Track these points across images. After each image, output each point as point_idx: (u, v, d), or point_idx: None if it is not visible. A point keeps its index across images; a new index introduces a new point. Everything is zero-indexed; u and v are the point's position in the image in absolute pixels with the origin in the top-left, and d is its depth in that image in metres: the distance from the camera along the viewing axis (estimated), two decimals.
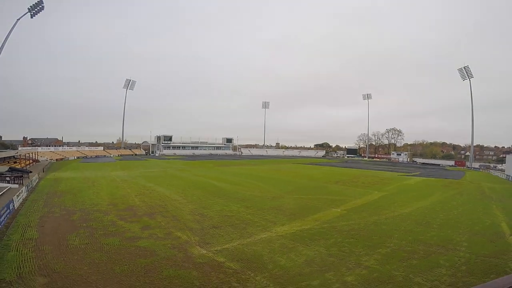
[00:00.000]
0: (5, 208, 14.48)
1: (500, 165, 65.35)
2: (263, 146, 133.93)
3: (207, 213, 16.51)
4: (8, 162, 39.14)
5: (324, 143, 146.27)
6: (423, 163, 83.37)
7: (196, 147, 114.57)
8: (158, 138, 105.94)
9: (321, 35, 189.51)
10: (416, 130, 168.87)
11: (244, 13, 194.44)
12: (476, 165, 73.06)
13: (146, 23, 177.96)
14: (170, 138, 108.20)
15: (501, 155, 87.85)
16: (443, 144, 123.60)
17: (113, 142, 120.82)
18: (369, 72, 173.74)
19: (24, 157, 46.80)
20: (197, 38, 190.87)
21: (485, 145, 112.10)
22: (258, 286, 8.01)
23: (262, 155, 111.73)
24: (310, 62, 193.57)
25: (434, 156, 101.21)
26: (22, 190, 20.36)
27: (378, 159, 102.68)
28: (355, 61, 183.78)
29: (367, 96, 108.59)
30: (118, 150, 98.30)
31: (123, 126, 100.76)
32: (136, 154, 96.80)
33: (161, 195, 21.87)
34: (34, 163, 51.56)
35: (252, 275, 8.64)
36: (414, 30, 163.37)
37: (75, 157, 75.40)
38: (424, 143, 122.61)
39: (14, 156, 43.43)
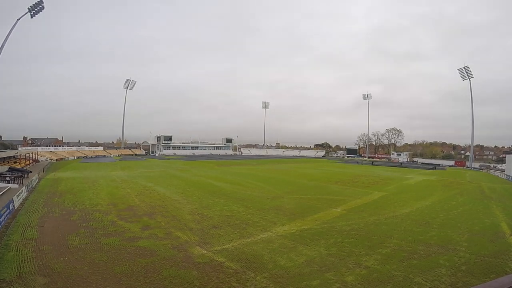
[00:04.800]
0: (5, 208, 14.45)
1: (500, 165, 65.07)
2: (263, 146, 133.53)
3: (207, 213, 16.50)
4: (8, 162, 39.12)
5: (324, 143, 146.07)
6: (423, 163, 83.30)
7: (196, 147, 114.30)
8: (158, 138, 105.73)
9: None
10: (417, 130, 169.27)
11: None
12: (476, 165, 72.68)
13: (146, 23, 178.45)
14: (170, 138, 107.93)
15: (501, 155, 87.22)
16: (443, 144, 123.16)
17: (113, 142, 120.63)
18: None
19: (24, 157, 46.75)
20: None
21: (485, 145, 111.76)
22: (258, 286, 7.99)
23: (262, 155, 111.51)
24: None
25: (434, 156, 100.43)
26: (22, 190, 20.32)
27: (378, 159, 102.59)
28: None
29: (367, 96, 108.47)
30: (118, 150, 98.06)
31: (123, 126, 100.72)
32: (136, 154, 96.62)
33: (161, 195, 21.85)
34: (34, 163, 51.49)
35: (252, 275, 8.63)
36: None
37: (75, 157, 75.25)
38: (424, 143, 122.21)
39: (14, 156, 43.39)
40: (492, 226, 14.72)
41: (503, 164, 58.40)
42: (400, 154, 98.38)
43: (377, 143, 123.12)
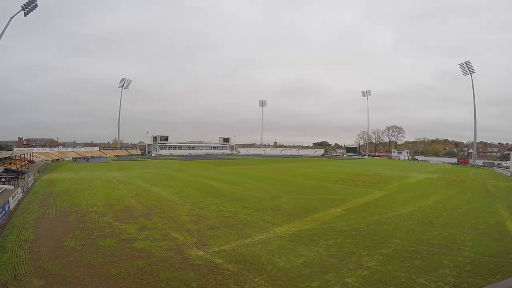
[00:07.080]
0: (1, 209, 14.32)
1: (505, 162, 64.58)
2: (260, 145, 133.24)
3: (204, 213, 16.28)
4: (4, 163, 38.75)
5: (323, 141, 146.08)
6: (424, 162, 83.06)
7: (193, 147, 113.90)
8: (154, 138, 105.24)
9: None
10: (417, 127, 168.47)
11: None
12: (479, 162, 72.03)
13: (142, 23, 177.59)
14: (166, 138, 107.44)
15: (505, 152, 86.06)
16: (445, 141, 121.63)
17: (108, 143, 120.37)
18: None
19: (19, 158, 46.36)
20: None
21: (488, 142, 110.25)
22: None
23: (260, 155, 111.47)
24: None
25: (436, 154, 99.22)
26: (17, 191, 20.07)
27: (378, 158, 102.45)
28: None
29: (366, 93, 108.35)
30: (113, 150, 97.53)
31: (119, 125, 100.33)
32: (132, 155, 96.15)
33: (158, 196, 21.62)
34: (29, 164, 51.10)
35: (250, 276, 8.45)
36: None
37: (70, 158, 74.64)
38: (426, 140, 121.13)
39: (9, 157, 43.01)
40: (497, 225, 14.50)
41: (508, 161, 57.89)
42: (401, 152, 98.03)
43: (377, 141, 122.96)
